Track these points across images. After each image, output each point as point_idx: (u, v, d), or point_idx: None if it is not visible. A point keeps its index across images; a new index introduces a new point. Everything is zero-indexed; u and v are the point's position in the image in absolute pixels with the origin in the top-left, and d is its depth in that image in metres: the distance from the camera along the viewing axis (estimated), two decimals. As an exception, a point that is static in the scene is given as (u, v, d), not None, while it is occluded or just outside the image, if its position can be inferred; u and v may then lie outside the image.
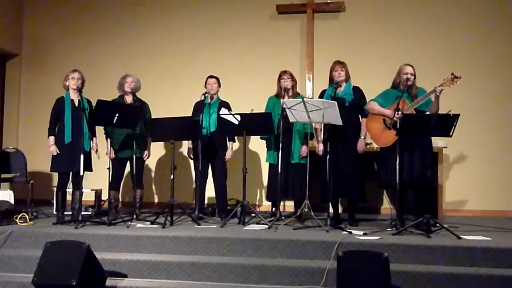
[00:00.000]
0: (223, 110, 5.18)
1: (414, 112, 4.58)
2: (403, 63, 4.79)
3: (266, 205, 6.22)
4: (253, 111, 4.95)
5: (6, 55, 7.36)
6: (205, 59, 6.87)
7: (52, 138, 5.11)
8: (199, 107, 5.47)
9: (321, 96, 5.11)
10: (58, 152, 5.05)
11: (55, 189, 5.53)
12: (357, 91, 5.06)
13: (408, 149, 4.55)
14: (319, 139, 5.07)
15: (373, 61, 6.44)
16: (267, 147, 5.55)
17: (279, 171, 4.97)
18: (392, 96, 4.72)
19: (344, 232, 4.38)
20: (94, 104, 4.98)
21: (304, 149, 5.27)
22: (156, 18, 7.13)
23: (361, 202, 5.15)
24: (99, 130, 5.37)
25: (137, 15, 7.17)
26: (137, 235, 4.30)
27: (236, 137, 5.68)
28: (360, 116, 5.07)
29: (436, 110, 4.53)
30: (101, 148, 5.33)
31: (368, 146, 5.22)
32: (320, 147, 5.01)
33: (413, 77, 4.69)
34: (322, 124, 4.82)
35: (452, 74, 4.47)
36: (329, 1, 6.63)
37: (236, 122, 4.92)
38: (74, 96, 5.15)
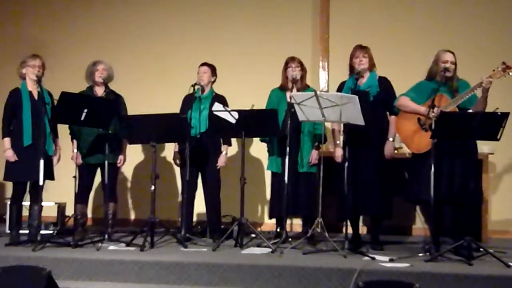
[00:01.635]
0: (217, 106, 5.17)
1: (457, 110, 4.57)
2: (441, 48, 4.79)
3: (270, 224, 6.21)
4: (254, 107, 4.95)
5: None
6: (198, 43, 6.88)
7: (7, 140, 5.09)
8: (189, 101, 5.46)
9: (340, 89, 5.11)
10: (17, 158, 5.02)
11: (8, 202, 5.52)
12: (383, 82, 5.05)
13: (447, 156, 4.55)
14: (337, 142, 5.06)
15: (403, 47, 6.44)
16: (268, 151, 5.56)
17: (286, 181, 4.97)
18: (428, 90, 4.73)
19: (366, 258, 4.39)
20: (56, 97, 4.96)
21: (315, 155, 5.27)
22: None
23: (387, 219, 5.14)
24: (63, 129, 5.35)
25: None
26: (109, 259, 4.30)
27: (233, 139, 5.67)
28: (388, 113, 5.06)
29: (482, 109, 4.52)
30: (66, 152, 5.32)
31: (397, 151, 5.21)
32: (339, 153, 5.01)
33: (454, 66, 4.69)
34: (342, 125, 4.80)
35: (504, 63, 4.46)
36: (348, -26, 6.66)
37: (233, 121, 4.93)
38: (32, 87, 5.14)
